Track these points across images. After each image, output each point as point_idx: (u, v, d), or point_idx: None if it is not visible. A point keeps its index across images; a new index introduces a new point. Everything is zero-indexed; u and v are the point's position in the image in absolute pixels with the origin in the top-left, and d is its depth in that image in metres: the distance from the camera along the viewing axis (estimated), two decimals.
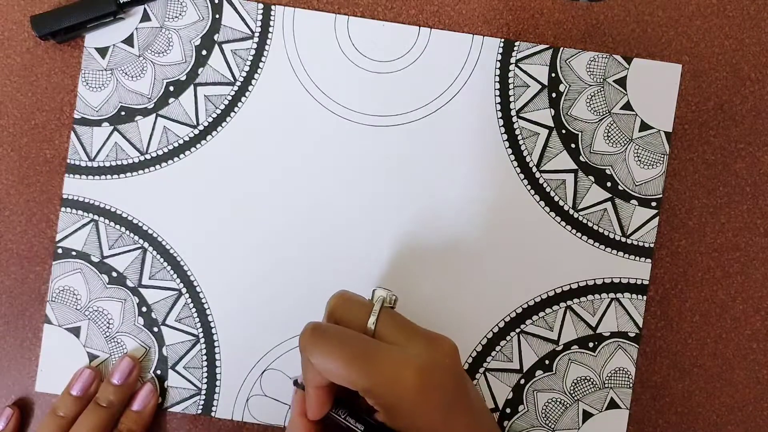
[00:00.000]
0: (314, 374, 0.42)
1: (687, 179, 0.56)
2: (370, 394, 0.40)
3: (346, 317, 0.43)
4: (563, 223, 0.56)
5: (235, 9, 0.56)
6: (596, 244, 0.56)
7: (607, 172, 0.56)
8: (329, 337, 0.41)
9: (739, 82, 0.56)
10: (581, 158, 0.56)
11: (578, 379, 0.56)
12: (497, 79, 0.56)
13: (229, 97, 0.55)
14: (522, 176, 0.56)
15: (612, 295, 0.56)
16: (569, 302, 0.56)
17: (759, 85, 0.56)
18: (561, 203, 0.56)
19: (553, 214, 0.56)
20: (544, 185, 0.56)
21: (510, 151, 0.56)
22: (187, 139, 0.55)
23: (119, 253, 0.55)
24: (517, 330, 0.56)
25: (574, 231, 0.56)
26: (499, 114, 0.56)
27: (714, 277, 0.56)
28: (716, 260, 0.56)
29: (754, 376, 0.56)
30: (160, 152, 0.55)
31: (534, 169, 0.56)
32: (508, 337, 0.56)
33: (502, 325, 0.56)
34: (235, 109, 0.55)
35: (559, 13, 0.56)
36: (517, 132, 0.56)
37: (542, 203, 0.56)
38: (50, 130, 0.55)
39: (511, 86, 0.56)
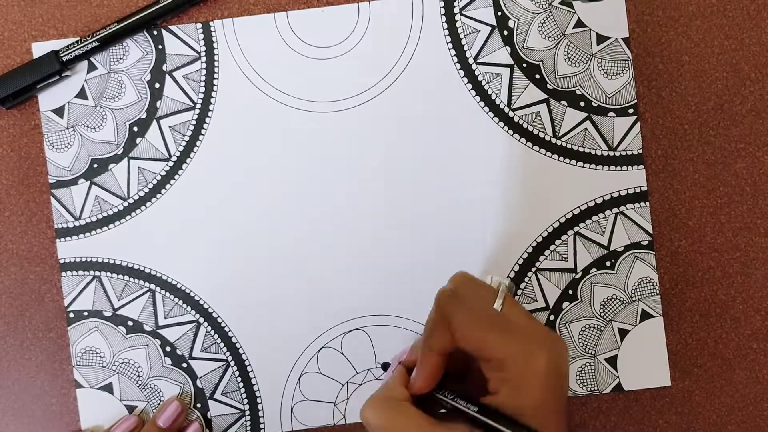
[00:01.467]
0: (443, 336, 0.42)
1: (687, 179, 0.56)
2: (501, 366, 0.40)
3: (472, 295, 0.43)
4: (549, 154, 0.56)
5: (176, 35, 0.56)
6: (586, 165, 0.56)
7: (578, 92, 0.56)
8: (471, 304, 0.42)
9: (739, 82, 0.56)
10: (549, 86, 0.56)
11: (605, 300, 0.56)
12: (446, 33, 0.56)
13: (194, 121, 0.56)
14: (497, 120, 0.56)
15: (615, 210, 0.56)
16: (576, 228, 0.56)
17: (759, 85, 0.56)
18: (542, 135, 0.56)
19: (537, 147, 0.56)
20: (521, 122, 0.56)
21: (478, 98, 0.56)
22: (163, 173, 0.56)
23: (129, 302, 0.56)
24: (533, 269, 0.56)
25: (561, 158, 0.56)
26: (458, 66, 0.56)
27: (714, 277, 0.56)
28: (716, 260, 0.56)
29: (754, 376, 0.56)
30: (141, 193, 0.56)
31: (507, 110, 0.56)
32: (526, 279, 0.56)
33: (516, 269, 0.56)
34: (203, 131, 0.56)
35: None
36: (480, 78, 0.56)
37: (523, 140, 0.56)
38: None
39: (462, 36, 0.56)
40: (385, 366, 0.49)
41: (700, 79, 0.56)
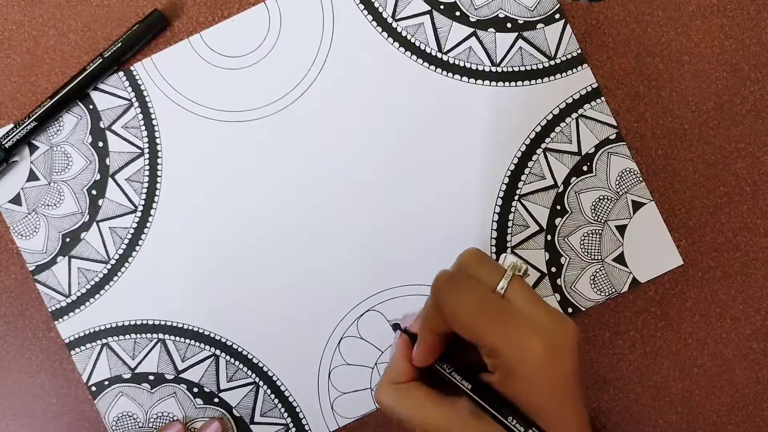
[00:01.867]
0: (438, 320, 0.41)
1: (687, 179, 0.56)
2: (493, 353, 0.39)
3: (477, 275, 0.42)
4: (494, 83, 0.56)
5: (103, 90, 0.56)
6: (533, 81, 0.56)
7: (501, 15, 0.56)
8: (465, 288, 0.40)
9: (739, 82, 0.56)
10: (471, 19, 0.56)
11: (594, 203, 0.56)
12: (358, 2, 0.56)
13: (147, 166, 0.56)
14: (434, 68, 0.56)
15: (574, 114, 0.56)
16: (543, 145, 0.56)
17: (759, 85, 0.56)
18: (482, 67, 0.56)
19: (481, 81, 0.56)
20: (458, 62, 0.56)
21: (409, 53, 0.56)
22: (135, 225, 0.56)
23: (144, 357, 0.56)
24: (516, 198, 0.56)
25: (508, 83, 0.56)
26: (380, 29, 0.56)
27: (714, 277, 0.56)
28: (716, 260, 0.56)
29: (754, 376, 0.56)
30: (120, 251, 0.56)
31: (440, 55, 0.56)
32: (512, 209, 0.56)
33: (500, 203, 0.56)
34: (158, 172, 0.56)
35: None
36: (405, 34, 0.56)
37: (465, 78, 0.56)
38: None
39: (373, 0, 0.56)
40: (396, 327, 0.48)
41: (700, 79, 0.56)
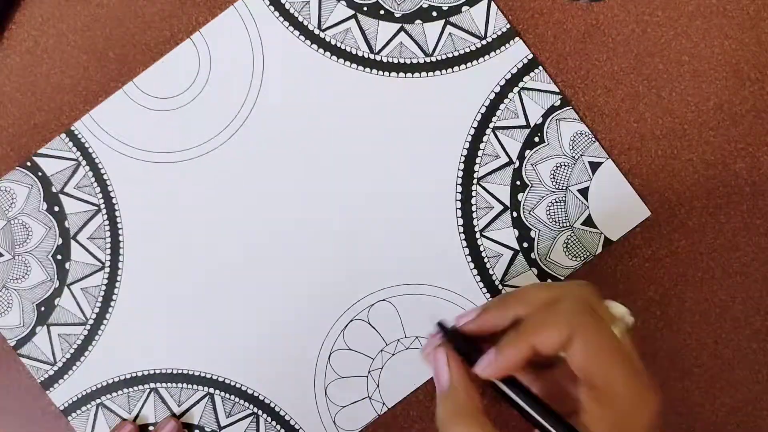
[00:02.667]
0: (554, 342, 0.37)
1: (687, 179, 0.56)
2: (609, 400, 0.37)
3: (602, 314, 0.39)
4: (431, 74, 0.56)
5: (48, 156, 0.56)
6: (470, 64, 0.56)
7: (425, 6, 0.56)
8: (602, 324, 0.38)
9: (739, 82, 0.56)
10: (396, 15, 0.56)
11: (553, 171, 0.56)
12: (281, 19, 0.56)
13: (107, 222, 0.56)
14: (369, 69, 0.56)
15: (515, 89, 0.56)
16: (491, 125, 0.56)
17: (759, 85, 0.56)
18: (416, 60, 0.56)
19: (417, 74, 0.56)
20: (392, 60, 0.56)
21: (342, 60, 0.56)
22: (105, 282, 0.56)
23: (140, 409, 0.56)
24: (474, 182, 0.56)
25: (446, 71, 0.56)
26: (309, 43, 0.56)
27: (714, 277, 0.56)
28: (716, 260, 0.56)
29: (754, 376, 0.56)
30: (96, 310, 0.56)
31: (372, 56, 0.56)
32: (473, 194, 0.56)
33: (461, 190, 0.56)
34: (119, 225, 0.56)
35: (559, 13, 0.56)
36: (332, 41, 0.56)
37: (403, 74, 0.56)
38: (50, 130, 0.56)
39: (295, 14, 0.56)
40: (441, 326, 0.42)
41: (700, 79, 0.56)
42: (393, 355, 0.56)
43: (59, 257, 0.56)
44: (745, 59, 0.56)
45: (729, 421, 0.56)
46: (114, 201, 0.56)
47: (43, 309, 0.56)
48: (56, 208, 0.56)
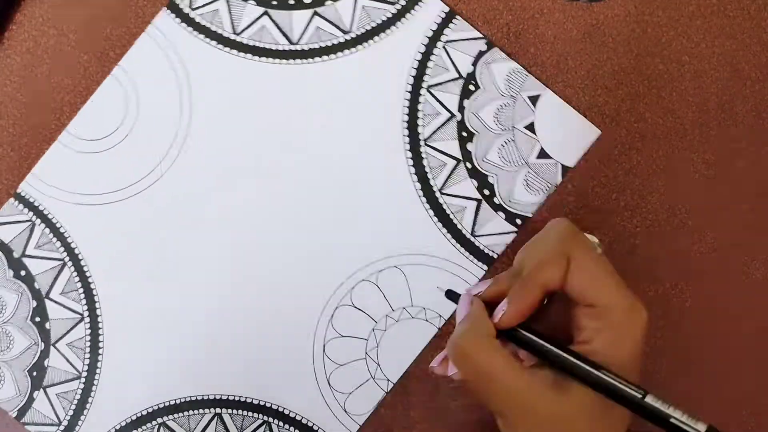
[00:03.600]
0: (557, 273, 0.39)
1: (687, 179, 0.55)
2: (605, 313, 0.39)
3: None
4: (352, 50, 0.56)
5: (3, 221, 0.56)
6: (387, 32, 0.56)
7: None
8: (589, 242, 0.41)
9: (739, 82, 0.55)
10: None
11: (495, 117, 0.56)
12: (191, 30, 0.56)
13: (75, 273, 0.56)
14: (279, 60, 0.56)
15: (439, 44, 0.56)
16: (424, 84, 0.56)
17: (759, 85, 0.55)
18: (332, 42, 0.56)
19: (333, 56, 0.56)
20: (308, 48, 0.56)
21: (251, 56, 0.56)
22: (88, 335, 0.56)
23: None
24: (422, 144, 0.56)
25: (363, 44, 0.57)
26: (221, 46, 0.56)
27: (714, 277, 0.56)
28: (716, 260, 0.56)
29: (754, 376, 0.56)
30: (86, 362, 0.56)
31: (290, 47, 0.56)
32: (422, 155, 0.56)
33: (410, 155, 0.56)
34: (87, 274, 0.56)
35: (559, 13, 0.56)
36: (248, 42, 0.56)
37: (318, 59, 0.56)
38: (50, 130, 0.56)
39: (207, 25, 0.56)
40: (450, 294, 0.46)
41: (700, 79, 0.55)
42: (385, 331, 0.56)
43: (38, 319, 0.56)
44: (745, 59, 0.56)
45: (729, 421, 0.56)
46: (77, 251, 0.56)
47: (35, 374, 0.55)
48: (23, 272, 0.56)
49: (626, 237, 0.56)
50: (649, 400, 0.38)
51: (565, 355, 0.39)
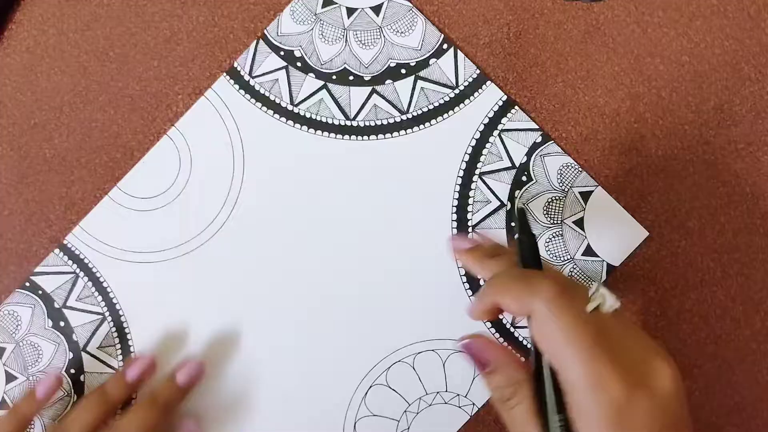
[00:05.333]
0: (515, 308, 0.39)
1: (687, 179, 0.55)
2: (569, 388, 0.36)
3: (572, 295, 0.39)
4: (409, 131, 0.56)
5: (46, 273, 0.56)
6: (446, 115, 0.56)
7: (392, 65, 0.56)
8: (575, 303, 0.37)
9: (739, 82, 0.55)
10: (366, 78, 0.56)
11: (545, 207, 0.55)
12: (249, 97, 0.56)
13: (114, 330, 0.56)
14: (334, 135, 0.56)
15: (495, 132, 0.56)
16: (477, 171, 0.56)
17: (759, 85, 0.55)
18: (392, 120, 0.56)
19: (388, 135, 0.56)
20: (363, 124, 0.56)
21: (306, 128, 0.56)
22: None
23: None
24: (469, 229, 0.56)
25: (424, 125, 0.56)
26: (277, 116, 0.56)
27: (714, 277, 0.55)
28: (716, 260, 0.55)
29: (754, 377, 0.55)
30: None
31: (347, 123, 0.56)
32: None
33: (455, 232, 0.56)
34: (127, 334, 0.56)
35: (559, 13, 0.55)
36: (306, 114, 0.56)
37: (373, 137, 0.56)
38: (50, 130, 0.56)
39: (266, 93, 0.56)
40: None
41: (700, 79, 0.55)
42: (417, 414, 0.55)
43: (72, 371, 0.55)
44: (745, 59, 0.56)
45: (729, 421, 0.56)
46: (117, 307, 0.55)
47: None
48: (62, 323, 0.55)
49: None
50: None
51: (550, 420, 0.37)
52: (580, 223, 0.55)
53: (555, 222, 0.55)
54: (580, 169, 0.55)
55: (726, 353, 0.56)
